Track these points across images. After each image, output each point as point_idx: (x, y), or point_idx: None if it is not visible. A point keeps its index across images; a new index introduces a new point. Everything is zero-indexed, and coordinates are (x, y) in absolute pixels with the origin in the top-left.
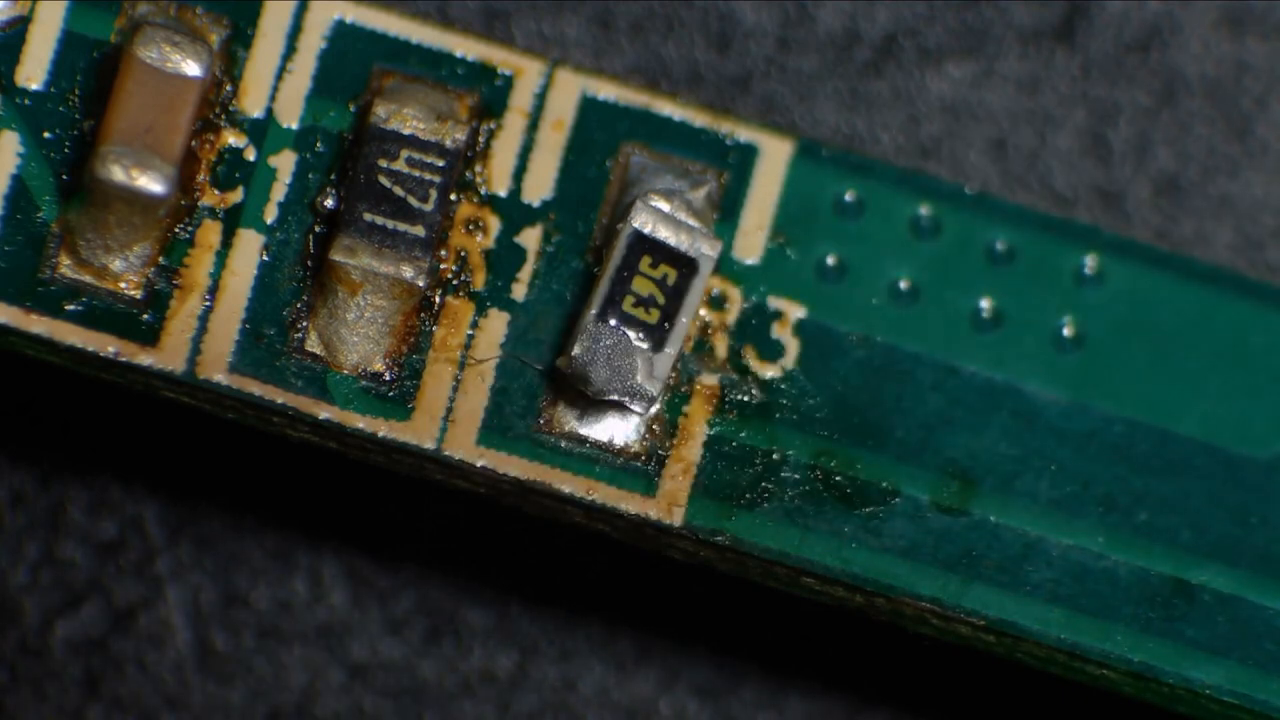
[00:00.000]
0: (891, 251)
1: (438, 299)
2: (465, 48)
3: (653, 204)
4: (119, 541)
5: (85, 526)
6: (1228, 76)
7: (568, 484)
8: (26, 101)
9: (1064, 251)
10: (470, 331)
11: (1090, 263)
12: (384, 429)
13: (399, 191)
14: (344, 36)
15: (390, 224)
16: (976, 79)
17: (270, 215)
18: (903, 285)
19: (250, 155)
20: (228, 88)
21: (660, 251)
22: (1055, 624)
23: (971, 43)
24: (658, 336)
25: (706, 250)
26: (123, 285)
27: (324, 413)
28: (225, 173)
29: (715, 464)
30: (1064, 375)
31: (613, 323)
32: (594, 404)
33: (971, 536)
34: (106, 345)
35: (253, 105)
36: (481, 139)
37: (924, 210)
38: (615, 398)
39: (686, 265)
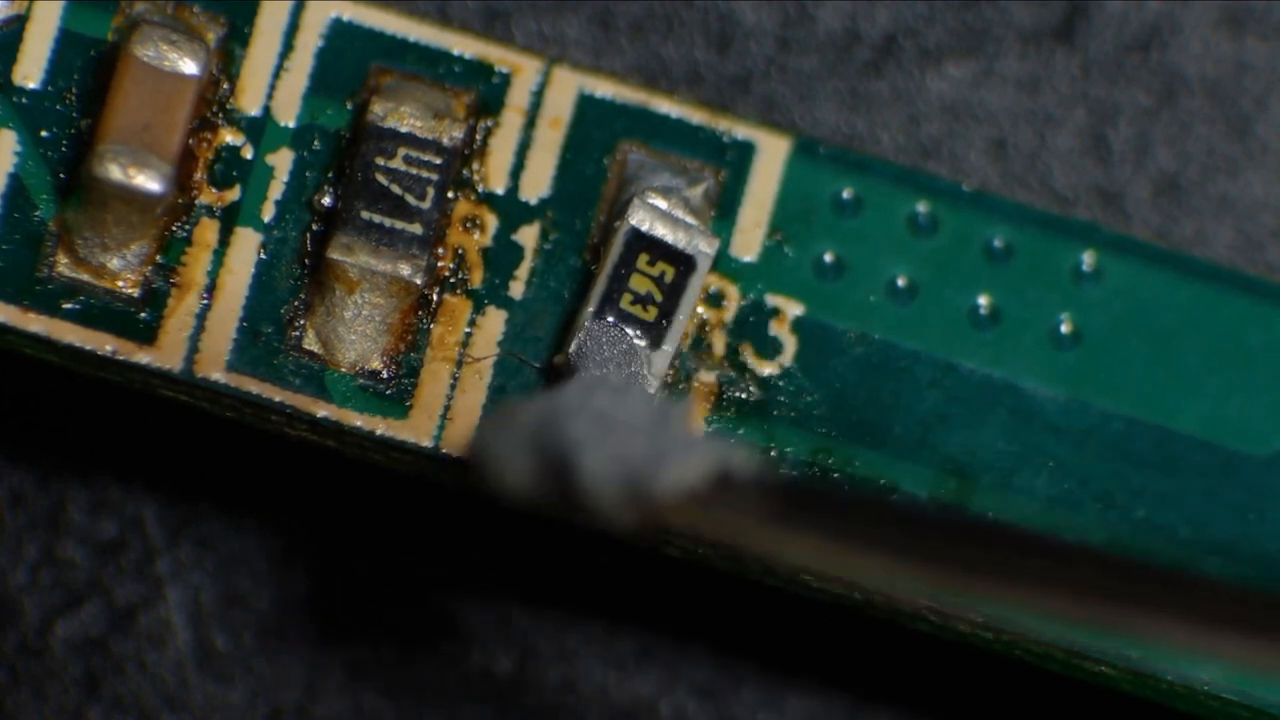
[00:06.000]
0: (889, 249)
1: (435, 297)
2: (462, 46)
3: (650, 201)
4: (119, 541)
5: (85, 526)
6: (1228, 76)
7: None
8: (24, 100)
9: (1062, 249)
10: (468, 329)
11: (1088, 260)
12: (382, 427)
13: (396, 189)
14: (341, 35)
15: (388, 222)
16: (976, 79)
17: (268, 213)
18: (900, 282)
19: (248, 153)
20: (225, 86)
21: (658, 249)
22: (1054, 621)
23: (971, 43)
24: (655, 334)
25: (704, 248)
26: (120, 284)
27: (322, 411)
28: (223, 171)
29: None
30: (1062, 372)
31: (610, 320)
32: None
33: None
34: (104, 344)
35: (250, 103)
36: (479, 137)
37: (922, 208)
38: None
39: (684, 263)
